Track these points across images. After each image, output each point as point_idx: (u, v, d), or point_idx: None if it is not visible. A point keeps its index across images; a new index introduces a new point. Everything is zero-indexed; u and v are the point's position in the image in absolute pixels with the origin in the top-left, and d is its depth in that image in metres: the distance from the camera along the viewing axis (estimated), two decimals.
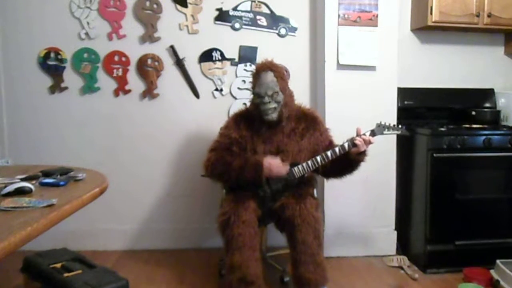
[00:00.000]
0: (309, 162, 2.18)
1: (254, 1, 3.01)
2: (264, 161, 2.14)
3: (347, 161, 2.20)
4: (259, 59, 2.86)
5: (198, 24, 2.99)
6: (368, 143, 2.12)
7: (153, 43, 2.97)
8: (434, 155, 2.62)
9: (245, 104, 2.84)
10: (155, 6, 2.94)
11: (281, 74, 2.23)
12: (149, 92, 3.00)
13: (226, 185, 2.35)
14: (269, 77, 2.19)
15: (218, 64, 3.03)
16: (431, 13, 2.85)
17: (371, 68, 2.87)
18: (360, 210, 2.94)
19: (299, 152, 2.25)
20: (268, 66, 2.21)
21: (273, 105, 2.19)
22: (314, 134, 2.30)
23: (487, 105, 3.15)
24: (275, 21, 3.03)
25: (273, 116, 2.20)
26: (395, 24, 2.90)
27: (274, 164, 2.14)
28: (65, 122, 3.00)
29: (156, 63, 2.98)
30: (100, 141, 3.02)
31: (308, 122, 2.31)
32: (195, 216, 3.11)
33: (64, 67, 2.96)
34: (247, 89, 2.96)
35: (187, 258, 2.93)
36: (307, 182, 2.31)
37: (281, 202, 2.18)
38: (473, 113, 3.01)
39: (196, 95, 3.05)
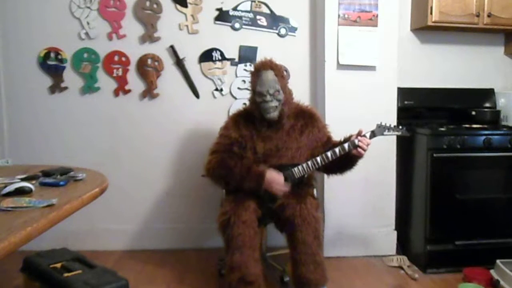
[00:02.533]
0: (309, 162, 2.19)
1: (254, 1, 3.01)
2: (267, 174, 2.14)
3: (347, 160, 2.21)
4: (259, 59, 2.85)
5: (198, 24, 2.99)
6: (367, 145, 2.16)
7: (153, 43, 2.97)
8: (434, 155, 2.62)
9: (244, 104, 2.84)
10: (155, 6, 2.94)
11: (281, 72, 2.25)
12: (149, 92, 3.00)
13: (225, 188, 2.35)
14: (270, 75, 2.19)
15: (218, 64, 3.02)
16: (431, 13, 2.85)
17: (371, 68, 2.87)
18: (360, 210, 2.94)
19: (298, 149, 2.26)
20: (269, 65, 2.22)
21: (274, 103, 2.19)
22: (313, 130, 2.31)
23: (487, 105, 3.15)
24: (275, 21, 3.03)
25: (274, 114, 2.21)
26: (395, 24, 2.90)
27: (275, 182, 2.14)
28: (65, 122, 3.00)
29: (156, 63, 2.98)
30: (100, 141, 3.02)
31: (307, 119, 2.33)
32: (195, 216, 3.11)
33: (64, 67, 2.95)
34: (247, 89, 2.96)
35: (187, 258, 2.92)
36: (307, 182, 2.32)
37: (281, 202, 2.18)
38: (473, 113, 3.01)
39: (196, 95, 3.05)
